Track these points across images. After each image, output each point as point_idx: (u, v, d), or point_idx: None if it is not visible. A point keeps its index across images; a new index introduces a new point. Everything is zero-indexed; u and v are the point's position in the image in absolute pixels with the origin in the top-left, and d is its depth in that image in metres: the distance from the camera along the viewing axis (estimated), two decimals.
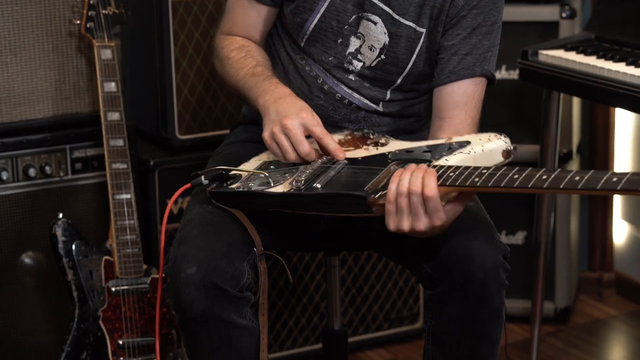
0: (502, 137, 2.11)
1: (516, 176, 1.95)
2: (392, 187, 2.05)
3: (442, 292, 2.23)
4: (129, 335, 2.87)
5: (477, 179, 1.98)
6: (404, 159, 2.15)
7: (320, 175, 2.18)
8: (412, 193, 2.03)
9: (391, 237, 2.15)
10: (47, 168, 2.98)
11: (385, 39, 2.38)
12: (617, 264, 3.83)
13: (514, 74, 3.38)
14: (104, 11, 2.91)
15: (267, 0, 2.44)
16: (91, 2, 2.89)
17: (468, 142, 2.12)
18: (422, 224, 2.04)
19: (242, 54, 2.41)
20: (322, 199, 2.13)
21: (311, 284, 3.29)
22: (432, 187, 2.01)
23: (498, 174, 1.97)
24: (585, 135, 3.78)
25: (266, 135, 2.24)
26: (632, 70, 2.77)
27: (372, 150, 2.23)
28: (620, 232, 3.82)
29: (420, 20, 2.35)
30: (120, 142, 2.87)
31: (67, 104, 3.02)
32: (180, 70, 3.09)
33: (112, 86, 2.88)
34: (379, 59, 2.40)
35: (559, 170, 1.94)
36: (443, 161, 2.09)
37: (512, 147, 2.08)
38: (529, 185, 1.93)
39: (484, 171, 1.99)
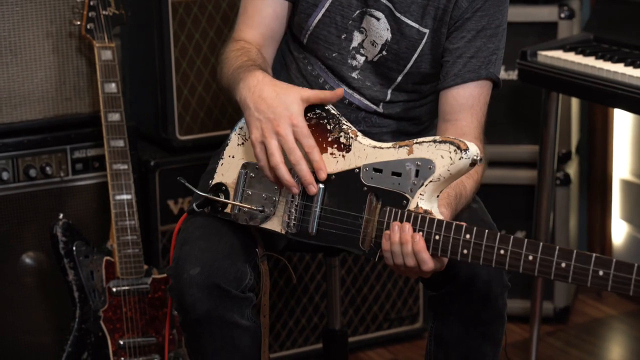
0: (464, 154, 2.04)
1: (502, 252, 1.96)
2: (389, 261, 2.08)
3: (446, 293, 2.24)
4: (130, 336, 2.87)
5: (465, 251, 2.00)
6: (377, 188, 2.12)
7: (306, 212, 2.19)
8: (410, 269, 2.07)
9: None
10: (48, 168, 2.98)
11: (387, 35, 2.38)
12: None
13: (513, 75, 3.38)
14: (104, 12, 2.91)
15: None
16: (91, 3, 2.90)
17: (431, 163, 2.06)
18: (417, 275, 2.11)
19: (238, 54, 2.36)
20: (318, 243, 2.20)
21: (311, 284, 3.30)
22: (428, 265, 2.04)
23: (483, 249, 1.98)
24: (584, 136, 3.79)
25: (255, 138, 2.17)
26: (630, 70, 2.77)
27: (339, 159, 2.18)
28: (619, 232, 3.82)
29: (423, 20, 2.35)
30: (120, 143, 2.87)
31: (67, 104, 3.02)
32: (180, 71, 3.10)
33: (112, 87, 2.88)
34: (381, 54, 2.40)
35: (541, 246, 1.94)
36: (419, 200, 2.07)
37: (478, 158, 2.05)
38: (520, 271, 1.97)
39: (468, 237, 1.99)
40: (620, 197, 3.80)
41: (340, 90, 2.23)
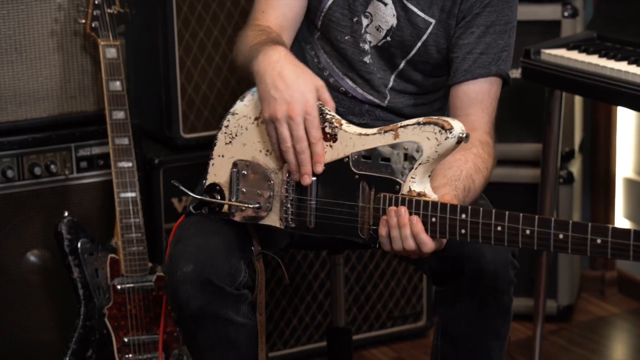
0: (449, 133, 2.05)
1: (499, 229, 1.97)
2: (387, 246, 2.08)
3: (452, 288, 2.25)
4: (135, 333, 2.88)
5: (463, 231, 2.01)
6: (368, 175, 2.13)
7: (302, 206, 2.20)
8: (410, 252, 2.08)
9: None
10: (53, 166, 2.99)
11: (393, 21, 2.38)
12: (619, 262, 3.83)
13: (517, 73, 3.38)
14: (109, 10, 2.92)
15: None
16: (96, 1, 2.90)
17: (418, 146, 2.07)
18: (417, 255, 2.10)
19: (258, 33, 2.32)
20: (319, 235, 2.21)
21: (315, 282, 3.31)
22: (428, 245, 2.05)
23: (480, 226, 1.99)
24: (587, 134, 3.79)
25: (267, 116, 2.16)
26: (633, 69, 2.78)
27: (327, 150, 2.18)
28: None
29: (430, 10, 2.35)
30: (125, 141, 2.88)
31: (72, 102, 3.03)
32: (184, 70, 3.10)
33: (117, 85, 2.89)
34: (385, 40, 2.40)
35: (537, 219, 1.94)
36: (411, 184, 2.08)
37: (464, 135, 2.05)
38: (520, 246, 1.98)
39: (464, 217, 2.00)
40: (624, 196, 3.80)
41: (333, 105, 2.22)
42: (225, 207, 2.29)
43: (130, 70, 3.28)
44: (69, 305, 2.93)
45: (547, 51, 3.01)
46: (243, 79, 2.75)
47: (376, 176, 2.12)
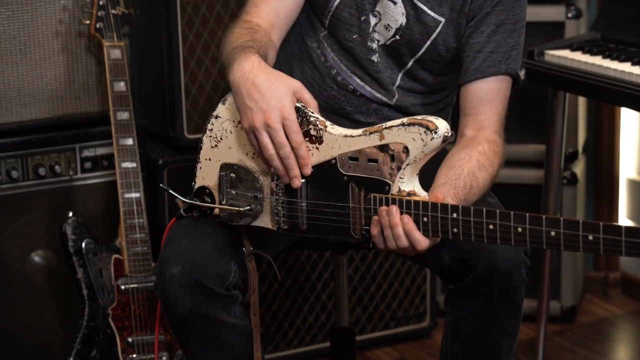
0: (434, 134, 2.05)
1: (491, 227, 1.97)
2: (381, 245, 2.09)
3: (465, 286, 2.25)
4: (139, 333, 2.88)
5: (455, 230, 2.01)
6: (357, 176, 2.14)
7: (293, 209, 2.20)
8: (405, 250, 2.08)
9: None
10: (57, 167, 2.99)
11: (402, 19, 2.38)
12: (622, 263, 3.84)
13: (520, 74, 3.39)
14: (113, 11, 2.92)
15: None
16: (101, 2, 2.91)
17: (405, 147, 2.07)
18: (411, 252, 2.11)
19: (243, 32, 2.31)
20: (312, 236, 2.22)
21: (319, 283, 3.31)
22: (421, 244, 2.05)
23: (472, 225, 1.99)
24: (591, 135, 3.79)
25: (246, 126, 2.16)
26: (637, 70, 2.78)
27: (313, 152, 2.18)
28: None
29: (440, 9, 2.36)
30: (129, 141, 2.88)
31: (76, 103, 3.03)
32: (188, 70, 3.11)
33: (121, 86, 2.89)
34: (394, 38, 2.40)
35: (528, 217, 1.95)
36: (400, 184, 2.08)
37: (449, 134, 2.06)
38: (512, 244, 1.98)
39: (455, 216, 2.00)
40: (627, 197, 3.80)
41: (315, 104, 2.21)
42: (217, 210, 2.29)
43: (134, 71, 3.28)
44: (73, 305, 2.93)
45: (551, 52, 3.02)
46: None
47: (365, 177, 2.13)
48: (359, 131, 2.14)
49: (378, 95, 2.45)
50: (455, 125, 2.42)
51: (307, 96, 2.19)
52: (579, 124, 3.52)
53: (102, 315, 2.87)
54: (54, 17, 2.97)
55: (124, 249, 2.86)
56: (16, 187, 2.97)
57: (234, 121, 2.27)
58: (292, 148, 2.15)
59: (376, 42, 2.41)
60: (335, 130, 2.17)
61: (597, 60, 2.91)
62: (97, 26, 2.91)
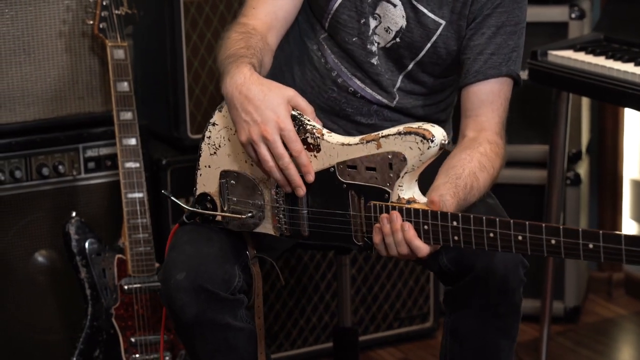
0: (431, 143, 2.05)
1: (491, 235, 1.97)
2: (383, 252, 2.09)
3: (462, 287, 2.25)
4: (142, 333, 2.89)
5: (456, 237, 2.01)
6: (356, 184, 2.13)
7: (295, 216, 2.20)
8: (406, 257, 2.08)
9: None
10: (60, 167, 3.00)
11: (402, 22, 2.37)
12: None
13: (523, 75, 3.36)
14: (116, 11, 2.93)
15: None
16: (104, 2, 2.91)
17: (402, 156, 2.07)
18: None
19: (238, 37, 2.28)
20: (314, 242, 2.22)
21: (322, 283, 3.31)
22: (422, 251, 2.06)
23: (473, 233, 1.99)
24: (594, 135, 3.79)
25: (244, 140, 2.15)
26: None
27: (312, 160, 2.17)
28: (630, 231, 3.82)
29: (440, 11, 2.36)
30: (132, 142, 2.89)
31: (80, 103, 3.04)
32: (192, 71, 3.11)
33: (124, 86, 2.89)
34: (394, 41, 2.40)
35: (528, 225, 1.94)
36: (399, 191, 2.08)
37: (446, 142, 2.06)
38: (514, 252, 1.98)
39: (456, 224, 2.00)
40: (631, 197, 3.80)
41: (311, 109, 2.20)
42: (219, 217, 2.29)
43: (137, 71, 3.29)
44: (76, 305, 2.93)
45: (554, 52, 3.01)
46: None
47: (364, 185, 2.12)
48: (356, 139, 2.14)
49: (379, 97, 2.45)
50: (456, 126, 2.43)
51: (303, 103, 2.18)
52: (582, 124, 3.52)
53: (105, 315, 2.87)
54: (58, 18, 2.98)
55: (127, 249, 2.87)
56: (20, 187, 2.97)
57: (231, 129, 2.25)
58: (293, 157, 2.14)
59: (376, 44, 2.40)
60: (332, 138, 2.16)
61: (601, 60, 2.90)
62: (101, 26, 2.92)
